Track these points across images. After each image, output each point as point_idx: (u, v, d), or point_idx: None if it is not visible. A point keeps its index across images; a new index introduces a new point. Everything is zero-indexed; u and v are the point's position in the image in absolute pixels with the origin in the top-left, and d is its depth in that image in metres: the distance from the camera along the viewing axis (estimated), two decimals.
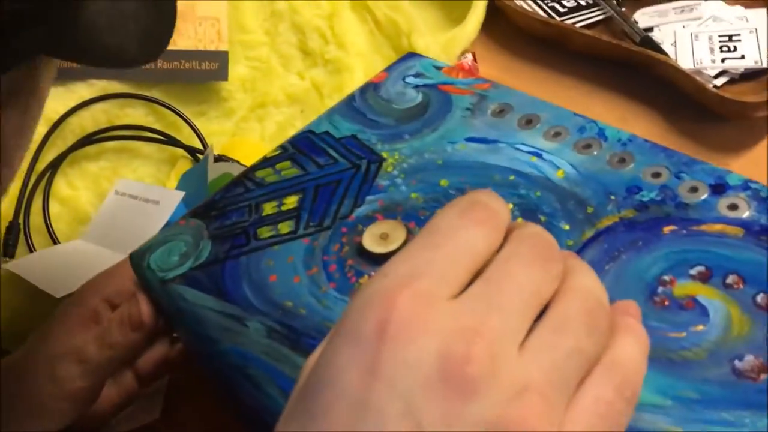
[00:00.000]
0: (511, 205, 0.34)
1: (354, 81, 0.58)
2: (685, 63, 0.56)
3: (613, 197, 0.33)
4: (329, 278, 0.33)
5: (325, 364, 0.20)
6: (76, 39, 0.23)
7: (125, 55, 0.25)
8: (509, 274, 0.21)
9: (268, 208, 0.37)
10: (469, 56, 0.62)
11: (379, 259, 0.33)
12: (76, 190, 0.53)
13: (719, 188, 0.32)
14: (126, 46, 0.25)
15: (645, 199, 0.32)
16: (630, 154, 0.34)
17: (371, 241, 0.33)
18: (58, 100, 0.53)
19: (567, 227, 0.32)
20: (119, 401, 0.41)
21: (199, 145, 0.55)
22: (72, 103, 0.53)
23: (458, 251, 0.21)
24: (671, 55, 0.57)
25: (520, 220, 0.33)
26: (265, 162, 0.40)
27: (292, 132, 0.54)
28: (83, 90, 0.54)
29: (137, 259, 0.37)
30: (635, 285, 0.29)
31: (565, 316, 0.20)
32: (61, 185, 0.53)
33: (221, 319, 0.33)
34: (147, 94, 0.54)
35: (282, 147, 0.41)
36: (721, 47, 0.56)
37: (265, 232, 0.36)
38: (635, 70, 0.58)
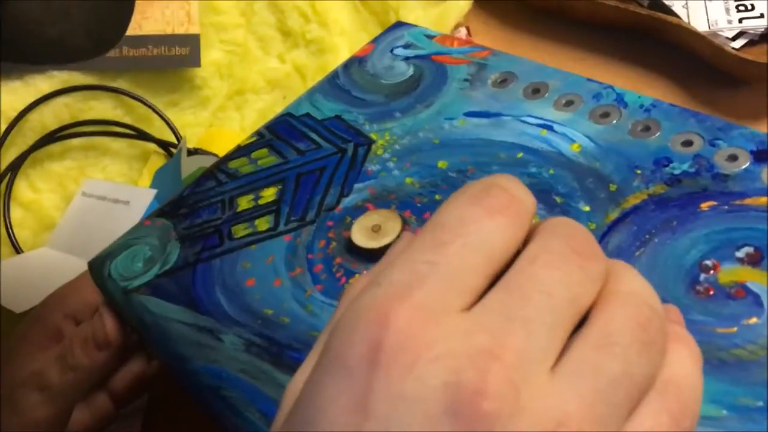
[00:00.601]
0: None
1: (339, 62, 0.53)
2: (699, 25, 0.51)
3: (639, 171, 0.28)
4: (315, 280, 0.29)
5: (308, 396, 0.16)
6: (5, 33, 0.19)
7: (70, 48, 0.21)
8: (537, 277, 0.16)
9: (244, 203, 0.33)
10: (463, 30, 0.58)
11: (371, 256, 0.29)
12: (40, 193, 0.49)
13: (762, 155, 0.28)
14: (70, 37, 0.21)
15: (676, 171, 0.28)
16: (655, 121, 0.30)
17: (361, 234, 0.29)
18: (14, 95, 0.48)
19: (587, 208, 0.28)
20: (94, 425, 0.37)
21: (173, 139, 0.50)
22: (30, 98, 0.49)
23: (470, 250, 0.16)
24: (683, 17, 0.52)
25: None
26: (240, 151, 0.36)
27: None
28: (42, 83, 0.49)
29: (97, 267, 0.32)
30: (673, 272, 0.25)
31: (612, 329, 0.16)
32: (22, 188, 0.49)
33: (192, 333, 0.29)
34: (113, 84, 0.50)
35: (258, 133, 0.36)
36: (737, 6, 0.52)
37: (240, 230, 0.32)
38: (646, 36, 0.53)
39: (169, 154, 0.50)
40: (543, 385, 0.15)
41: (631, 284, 0.17)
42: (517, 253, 0.17)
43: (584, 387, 0.15)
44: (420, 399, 0.14)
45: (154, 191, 0.45)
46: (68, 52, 0.22)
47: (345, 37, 0.54)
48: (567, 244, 0.17)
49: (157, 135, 0.50)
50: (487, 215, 0.17)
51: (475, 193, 0.18)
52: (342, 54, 0.54)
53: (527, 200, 0.18)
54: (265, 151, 0.35)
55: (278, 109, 0.53)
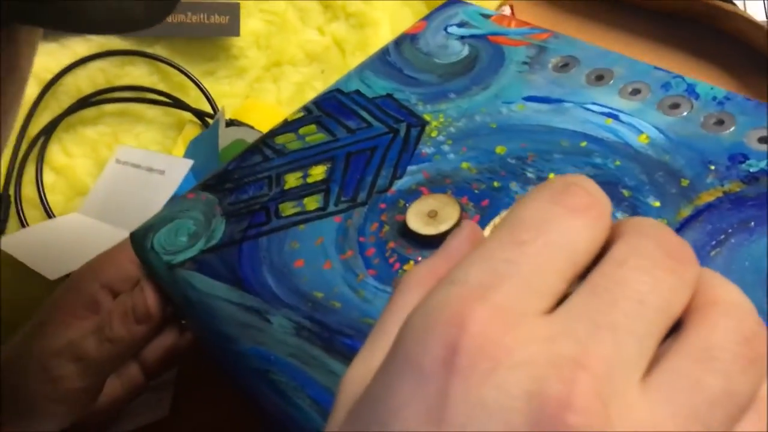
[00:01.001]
0: None
1: (379, 37, 0.52)
2: (756, 14, 0.49)
3: (712, 167, 0.27)
4: (367, 264, 0.28)
5: (377, 396, 0.15)
6: (65, 2, 0.18)
7: (130, 18, 0.20)
8: (626, 282, 0.15)
9: (292, 180, 0.32)
10: (507, 9, 0.56)
11: (427, 242, 0.28)
12: (73, 158, 0.48)
13: None
14: (130, 7, 0.20)
15: (753, 169, 0.27)
16: (729, 114, 0.28)
17: (417, 219, 0.28)
18: (50, 57, 0.47)
19: (657, 204, 0.27)
20: (124, 396, 0.36)
21: (208, 108, 0.49)
22: (66, 61, 0.47)
23: (552, 250, 0.16)
24: (740, 5, 0.50)
25: None
26: (286, 126, 0.35)
27: (311, 94, 0.48)
28: (79, 46, 0.48)
29: (139, 239, 0.32)
30: (750, 276, 0.24)
31: (713, 342, 0.15)
32: (55, 152, 0.48)
33: (239, 313, 0.28)
34: (149, 50, 0.49)
35: (305, 108, 0.35)
36: None
37: (288, 209, 0.31)
38: (699, 23, 0.51)
39: (205, 124, 0.49)
40: (633, 398, 0.14)
41: (731, 294, 0.16)
42: (597, 257, 0.16)
43: (680, 404, 0.14)
44: (500, 408, 0.14)
45: (190, 161, 0.44)
46: (125, 23, 0.21)
47: (387, 11, 0.53)
48: (658, 247, 0.16)
49: (193, 104, 0.49)
50: (570, 214, 0.16)
51: (556, 190, 0.17)
52: (383, 29, 0.52)
53: (606, 201, 0.17)
54: (313, 127, 0.34)
55: (316, 83, 0.52)
